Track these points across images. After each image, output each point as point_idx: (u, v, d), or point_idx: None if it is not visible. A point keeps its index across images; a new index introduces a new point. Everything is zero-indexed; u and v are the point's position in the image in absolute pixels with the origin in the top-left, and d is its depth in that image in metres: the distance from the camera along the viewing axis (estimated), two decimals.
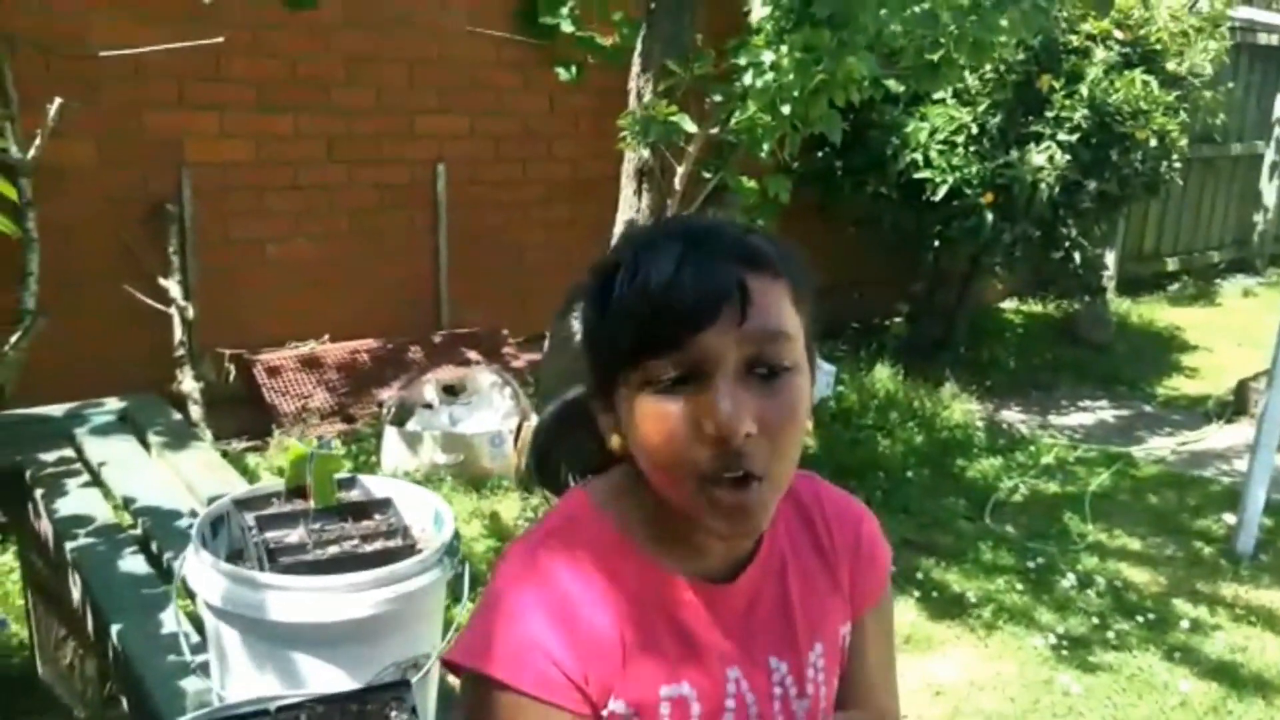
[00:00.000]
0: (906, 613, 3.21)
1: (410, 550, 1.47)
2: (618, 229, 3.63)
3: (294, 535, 1.50)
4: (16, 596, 2.96)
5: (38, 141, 3.33)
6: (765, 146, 3.01)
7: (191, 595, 1.61)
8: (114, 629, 1.85)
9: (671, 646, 0.92)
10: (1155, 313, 7.36)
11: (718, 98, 3.17)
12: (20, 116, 3.34)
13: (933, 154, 4.83)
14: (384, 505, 1.60)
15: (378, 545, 1.47)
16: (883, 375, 5.04)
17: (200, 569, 1.45)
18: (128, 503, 2.41)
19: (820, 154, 5.03)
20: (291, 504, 1.60)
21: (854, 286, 5.80)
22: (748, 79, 2.87)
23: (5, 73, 3.32)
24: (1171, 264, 8.37)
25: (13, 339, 3.32)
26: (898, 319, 5.96)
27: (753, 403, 0.83)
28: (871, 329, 5.88)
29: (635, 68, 3.31)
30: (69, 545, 2.19)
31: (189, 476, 2.52)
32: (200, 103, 3.77)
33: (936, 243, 5.16)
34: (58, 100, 3.31)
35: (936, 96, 4.78)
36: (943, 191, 4.79)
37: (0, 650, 2.88)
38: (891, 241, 5.35)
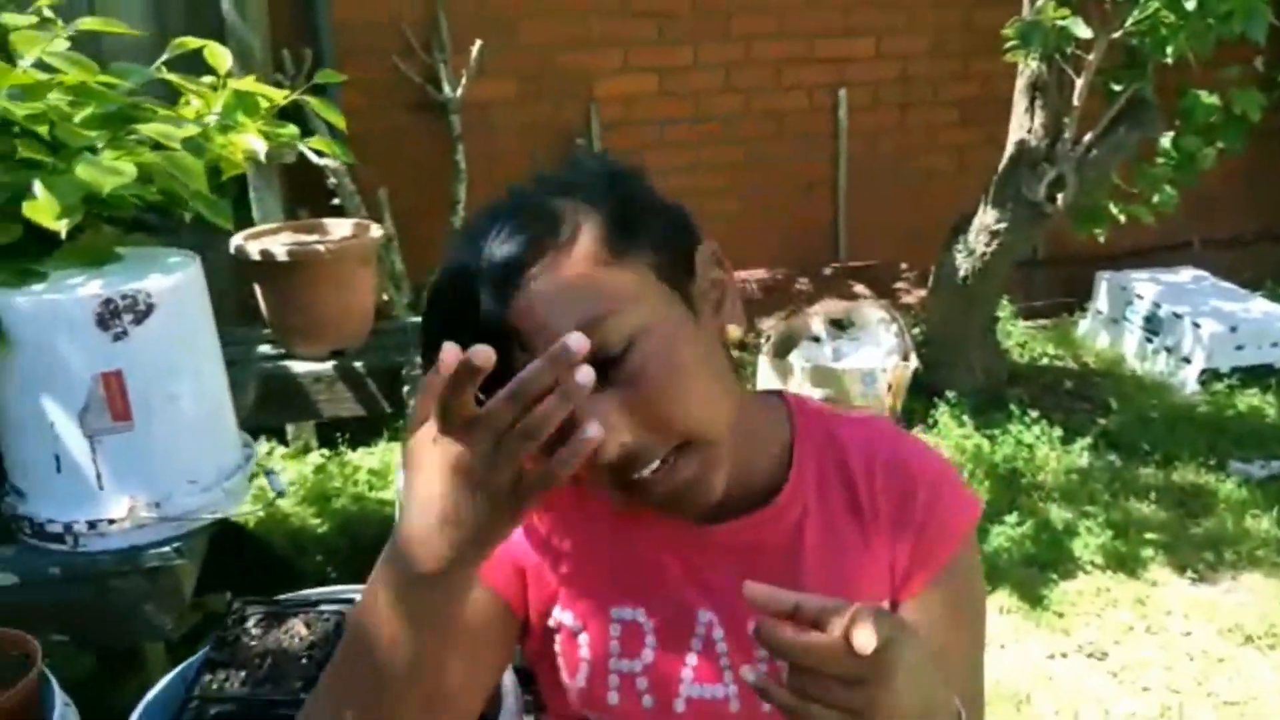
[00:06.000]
0: None
1: None
2: (1008, 151, 3.27)
3: None
4: None
5: (464, 81, 3.71)
6: (1169, 50, 2.50)
7: None
8: None
9: (631, 569, 0.87)
10: None
11: None
12: (450, 58, 3.73)
13: None
14: None
15: None
16: None
17: None
18: None
19: None
20: None
21: None
22: None
23: (441, 19, 3.71)
24: None
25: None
26: None
27: (615, 403, 0.74)
28: None
29: None
30: None
31: None
32: (607, 39, 3.95)
33: None
34: (478, 42, 3.66)
35: None
36: None
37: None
38: None
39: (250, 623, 1.25)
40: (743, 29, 4.07)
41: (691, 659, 0.86)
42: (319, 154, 2.89)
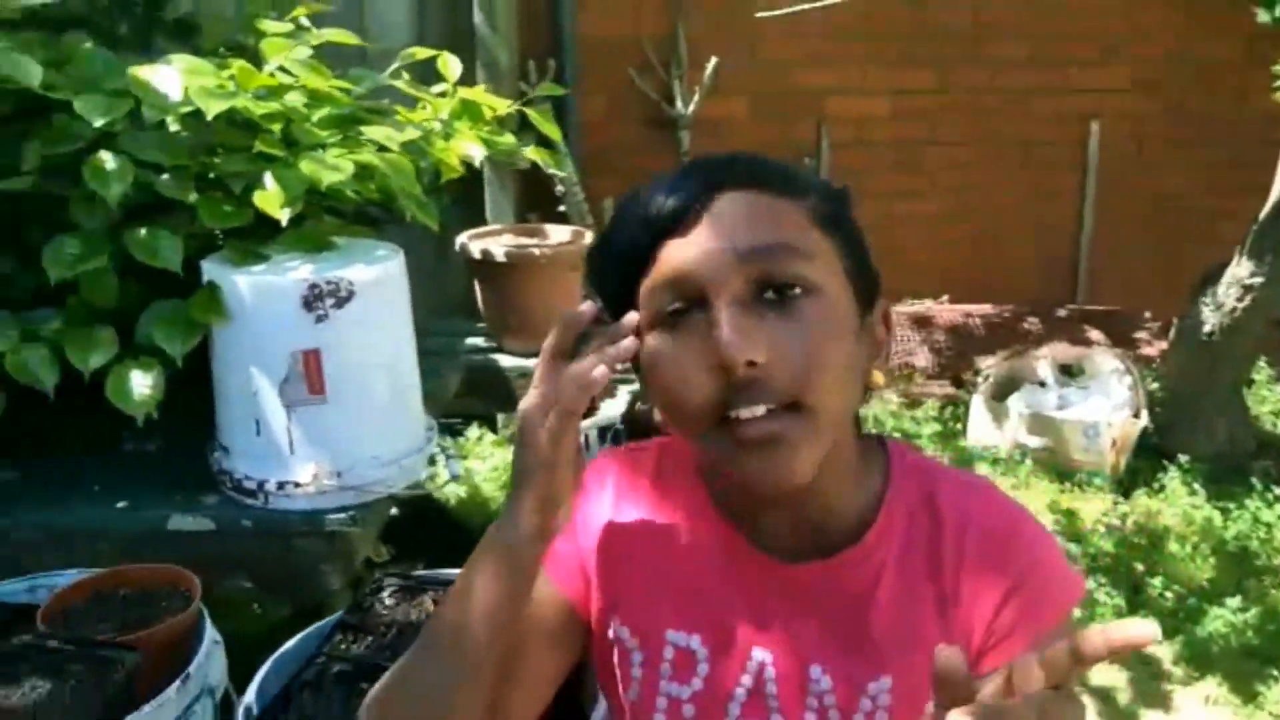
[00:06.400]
0: None
1: None
2: (1272, 198, 2.97)
3: None
4: None
5: (696, 98, 3.78)
6: None
7: None
8: None
9: (694, 597, 0.87)
10: None
11: None
12: (686, 75, 3.81)
13: None
14: None
15: None
16: None
17: None
18: None
19: None
20: None
21: None
22: None
23: (679, 37, 3.80)
24: None
25: None
26: None
27: (762, 327, 0.74)
28: None
29: None
30: None
31: None
32: (844, 58, 3.90)
33: None
34: (713, 60, 3.72)
35: None
36: None
37: None
38: None
39: (386, 593, 1.34)
40: (991, 53, 3.91)
41: (740, 693, 0.85)
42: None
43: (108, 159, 1.66)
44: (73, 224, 1.71)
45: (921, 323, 4.01)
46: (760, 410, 0.74)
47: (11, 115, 1.74)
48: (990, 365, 3.75)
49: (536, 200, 3.69)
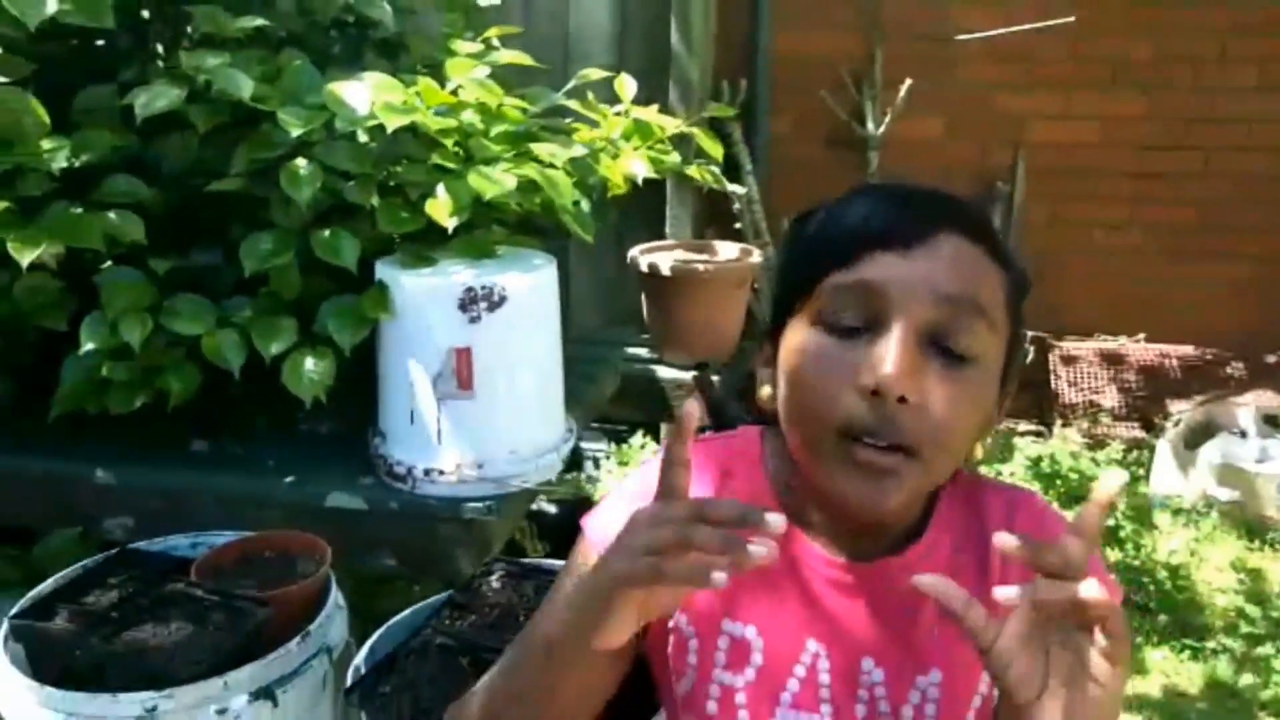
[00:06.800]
0: None
1: None
2: None
3: None
4: None
5: (888, 119, 3.75)
6: None
7: None
8: None
9: (751, 588, 0.90)
10: None
11: None
12: (879, 96, 3.78)
13: None
14: None
15: None
16: None
17: None
18: None
19: None
20: None
21: None
22: None
23: (876, 58, 3.78)
24: None
25: None
26: None
27: (923, 371, 0.78)
28: None
29: None
30: None
31: None
32: (1048, 83, 3.75)
33: None
34: (908, 81, 3.68)
35: None
36: None
37: None
38: None
39: (494, 577, 1.44)
40: (1212, 81, 3.66)
41: (793, 684, 0.89)
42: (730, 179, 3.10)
43: (302, 165, 1.86)
44: (270, 223, 1.92)
45: (1112, 360, 3.81)
46: (883, 441, 0.79)
47: (228, 124, 1.97)
48: (1184, 410, 3.53)
49: (717, 216, 3.76)
